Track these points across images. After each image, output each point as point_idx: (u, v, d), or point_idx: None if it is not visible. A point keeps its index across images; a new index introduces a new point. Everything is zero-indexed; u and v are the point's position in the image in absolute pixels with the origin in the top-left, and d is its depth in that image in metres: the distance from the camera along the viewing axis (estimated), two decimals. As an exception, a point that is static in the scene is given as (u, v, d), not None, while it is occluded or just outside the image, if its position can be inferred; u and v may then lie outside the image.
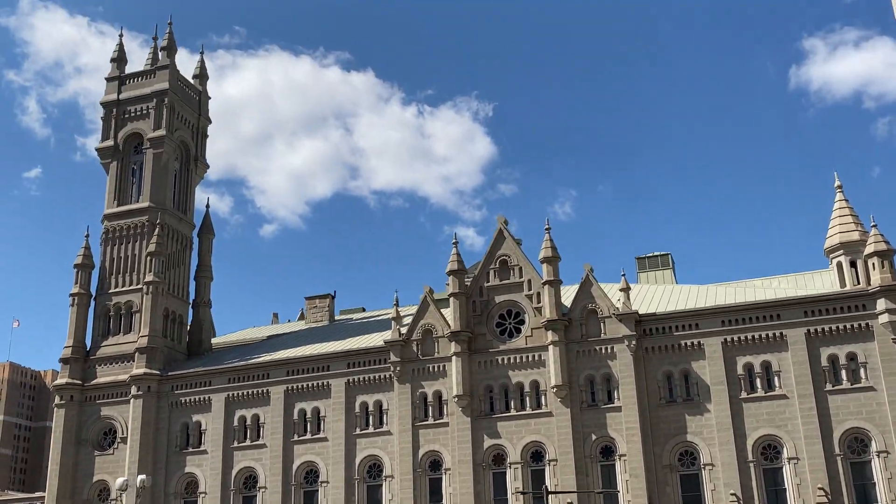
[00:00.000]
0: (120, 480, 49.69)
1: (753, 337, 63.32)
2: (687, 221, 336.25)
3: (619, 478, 63.17)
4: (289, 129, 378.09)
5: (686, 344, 64.70)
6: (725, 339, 63.84)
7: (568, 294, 70.41)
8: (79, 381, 78.55)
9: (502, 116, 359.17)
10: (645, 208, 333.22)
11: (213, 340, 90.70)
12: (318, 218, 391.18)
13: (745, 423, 61.92)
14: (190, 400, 75.88)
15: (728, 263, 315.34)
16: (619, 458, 63.48)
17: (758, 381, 62.83)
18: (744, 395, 62.71)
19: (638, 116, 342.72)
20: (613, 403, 64.64)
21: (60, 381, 78.93)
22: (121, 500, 46.91)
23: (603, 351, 65.93)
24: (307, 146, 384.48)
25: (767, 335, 63.01)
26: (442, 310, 71.12)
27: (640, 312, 66.28)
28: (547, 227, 70.07)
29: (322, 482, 70.55)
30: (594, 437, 64.37)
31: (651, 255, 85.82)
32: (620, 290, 66.83)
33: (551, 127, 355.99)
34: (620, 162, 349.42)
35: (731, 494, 60.23)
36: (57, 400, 78.95)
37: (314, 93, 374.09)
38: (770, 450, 61.56)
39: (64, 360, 79.54)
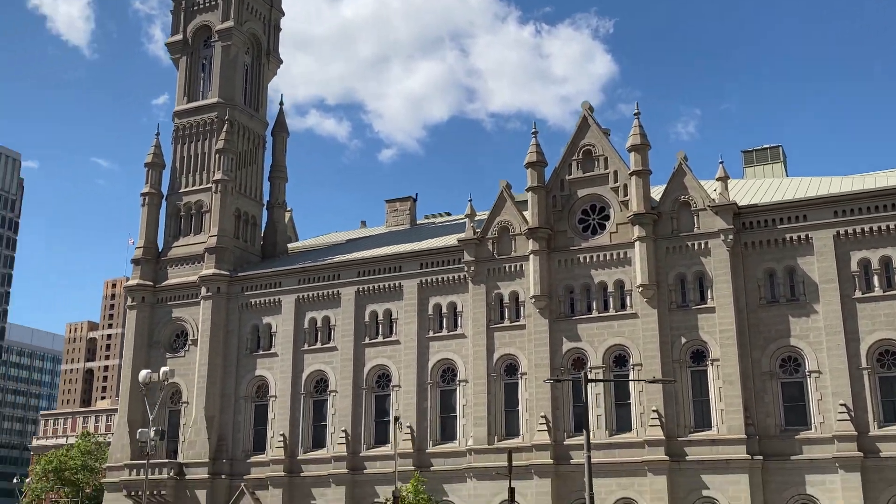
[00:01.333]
0: (144, 373, 46.67)
1: (871, 229, 55.54)
2: (803, 117, 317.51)
3: (710, 385, 57.19)
4: (405, 51, 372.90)
5: (792, 238, 57.39)
6: (838, 232, 56.25)
7: (658, 194, 63.53)
8: (150, 283, 76.75)
9: (623, 33, 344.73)
10: (767, 121, 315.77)
11: (293, 245, 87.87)
12: (435, 142, 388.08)
13: (858, 326, 54.70)
14: (260, 302, 73.09)
15: (844, 158, 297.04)
16: (712, 364, 57.35)
17: (875, 278, 55.29)
18: (858, 294, 55.34)
19: (762, 24, 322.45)
20: (706, 304, 58.24)
21: (132, 282, 77.36)
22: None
23: (696, 247, 59.28)
24: (424, 69, 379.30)
25: (887, 227, 55.11)
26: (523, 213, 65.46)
27: (740, 204, 59.10)
28: (636, 111, 63.16)
29: (394, 386, 66.98)
30: (684, 340, 58.28)
31: (759, 147, 77.55)
32: (717, 179, 59.72)
33: (674, 42, 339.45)
34: (746, 77, 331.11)
35: (841, 405, 53.52)
36: (129, 301, 77.56)
37: (430, 14, 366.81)
38: (888, 356, 54.34)
39: (135, 262, 77.83)
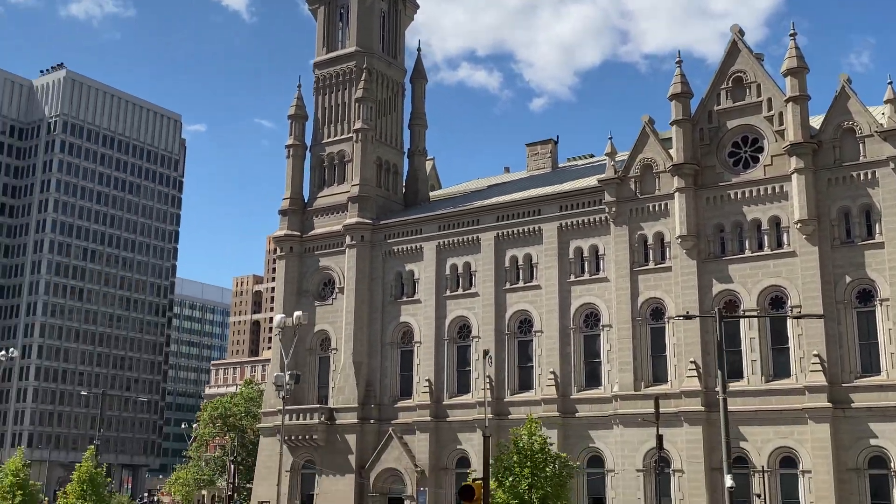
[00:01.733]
0: (278, 317, 46.97)
1: None
2: None
3: (880, 326, 52.72)
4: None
5: (972, 164, 51.67)
6: None
7: (817, 123, 58.59)
8: (297, 233, 78.18)
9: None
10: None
11: (436, 193, 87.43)
12: (588, 88, 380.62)
13: None
14: (402, 249, 73.11)
15: None
16: (881, 304, 52.79)
17: None
18: None
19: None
20: (874, 239, 53.55)
21: (279, 233, 78.99)
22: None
23: (861, 177, 54.43)
24: (574, 13, 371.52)
25: None
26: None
27: (912, 129, 53.68)
28: (792, 32, 58.25)
29: (536, 331, 65.64)
30: (849, 279, 53.86)
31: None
32: (886, 102, 54.41)
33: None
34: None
35: None
36: (278, 252, 79.33)
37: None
38: None
39: (283, 213, 79.37)
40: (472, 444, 66.10)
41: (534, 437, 30.59)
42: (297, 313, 46.22)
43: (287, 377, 43.77)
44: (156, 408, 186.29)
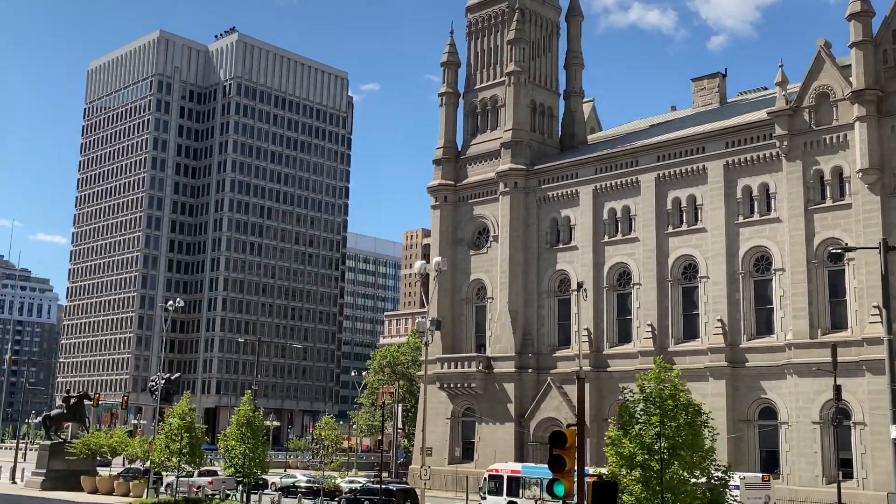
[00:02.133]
0: (419, 264, 45.72)
1: None
2: None
3: None
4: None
5: None
6: None
7: None
8: (451, 182, 77.28)
9: None
10: None
11: (596, 135, 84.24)
12: (770, 23, 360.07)
13: None
14: (557, 194, 70.80)
15: None
16: None
17: None
18: None
19: None
20: None
21: (434, 182, 78.32)
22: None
23: None
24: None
25: None
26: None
27: None
28: None
29: (701, 277, 62.02)
30: None
31: None
32: None
33: None
34: None
35: None
36: (432, 201, 78.83)
37: None
38: None
39: (436, 162, 78.64)
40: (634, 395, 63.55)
41: (663, 383, 28.07)
42: (435, 259, 45.08)
43: (428, 323, 42.96)
44: (332, 357, 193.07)
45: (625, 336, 66.14)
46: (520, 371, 69.72)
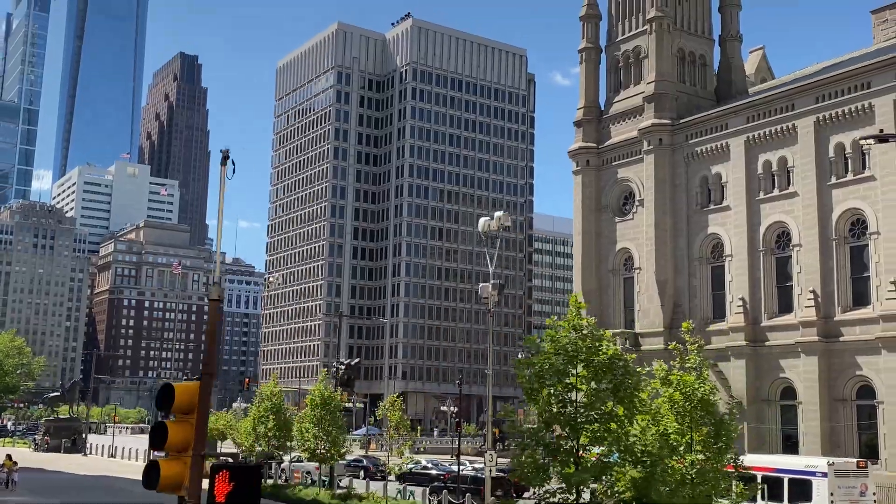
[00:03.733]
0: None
1: None
2: None
3: None
4: None
5: None
6: None
7: None
8: (593, 144, 71.32)
9: None
10: None
11: (762, 85, 75.20)
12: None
13: None
14: (706, 149, 63.30)
15: None
16: None
17: None
18: None
19: None
20: None
21: (574, 146, 72.62)
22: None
23: None
24: None
25: None
26: None
27: None
28: None
29: (871, 234, 53.08)
30: None
31: None
32: None
33: None
34: None
35: None
36: (573, 166, 73.15)
37: None
38: None
39: (577, 124, 72.89)
40: (797, 372, 55.56)
41: (580, 331, 22.10)
42: (497, 213, 39.91)
43: (490, 287, 38.06)
44: (521, 340, 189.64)
45: (785, 305, 57.94)
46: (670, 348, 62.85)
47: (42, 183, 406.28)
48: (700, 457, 22.81)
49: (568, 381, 22.19)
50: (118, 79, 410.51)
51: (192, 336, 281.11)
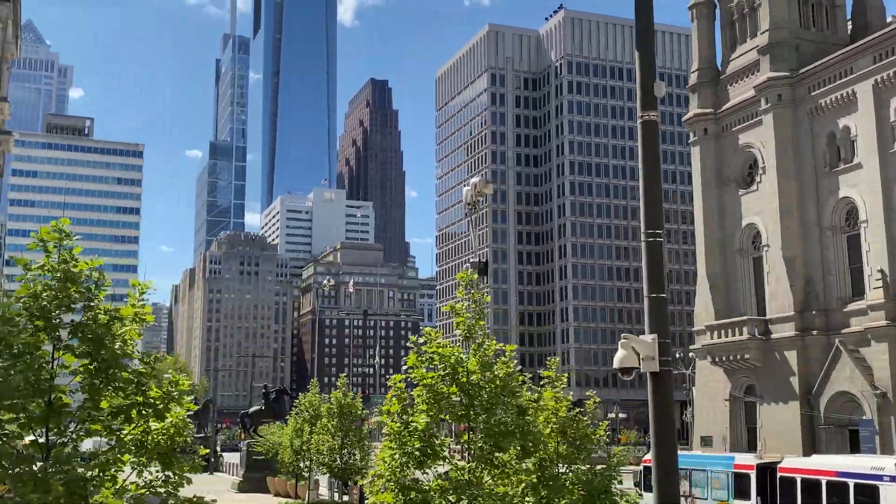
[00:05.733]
0: (465, 190, 34.42)
1: None
2: None
3: None
4: None
5: None
6: None
7: None
8: (710, 110, 63.40)
9: None
10: None
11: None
12: None
13: None
14: (831, 100, 54.32)
15: None
16: None
17: None
18: None
19: None
20: None
21: (689, 114, 65.06)
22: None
23: None
24: None
25: None
26: None
27: None
28: None
29: None
30: None
31: None
32: None
33: None
34: None
35: None
36: (690, 137, 65.45)
37: None
38: None
39: (692, 89, 65.42)
40: (953, 356, 45.78)
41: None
42: (474, 179, 33.75)
43: (470, 267, 32.25)
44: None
45: (935, 276, 48.16)
46: (802, 334, 54.20)
47: (253, 216, 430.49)
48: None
49: None
50: (313, 109, 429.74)
51: (391, 352, 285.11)
